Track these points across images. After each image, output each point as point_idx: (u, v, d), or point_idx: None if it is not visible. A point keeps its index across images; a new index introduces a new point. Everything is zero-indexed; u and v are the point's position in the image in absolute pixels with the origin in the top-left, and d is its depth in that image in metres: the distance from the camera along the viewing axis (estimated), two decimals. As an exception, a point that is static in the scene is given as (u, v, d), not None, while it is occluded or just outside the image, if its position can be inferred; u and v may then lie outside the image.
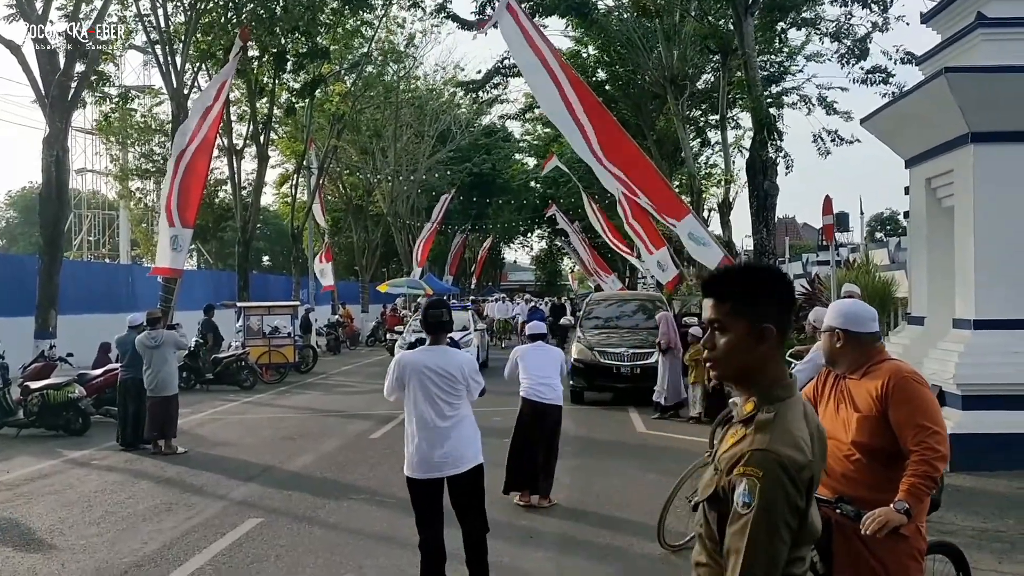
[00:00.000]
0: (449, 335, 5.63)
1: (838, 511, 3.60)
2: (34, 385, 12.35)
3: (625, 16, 24.51)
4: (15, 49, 15.29)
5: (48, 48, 15.45)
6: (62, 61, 15.65)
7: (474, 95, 35.21)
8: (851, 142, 25.20)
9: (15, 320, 16.64)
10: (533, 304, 35.44)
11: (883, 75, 21.07)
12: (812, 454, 2.02)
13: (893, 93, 20.40)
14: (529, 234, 65.08)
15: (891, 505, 3.41)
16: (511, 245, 69.17)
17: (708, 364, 2.24)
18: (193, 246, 31.28)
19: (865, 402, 3.65)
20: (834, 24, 21.38)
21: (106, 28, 18.58)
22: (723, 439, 2.20)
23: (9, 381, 12.55)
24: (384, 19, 30.12)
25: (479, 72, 31.07)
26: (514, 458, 7.94)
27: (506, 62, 24.73)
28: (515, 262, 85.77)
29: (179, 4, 21.58)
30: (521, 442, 7.97)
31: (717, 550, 2.09)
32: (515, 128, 50.25)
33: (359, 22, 27.77)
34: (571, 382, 15.76)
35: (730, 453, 2.09)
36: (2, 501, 8.43)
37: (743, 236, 43.70)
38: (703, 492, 2.16)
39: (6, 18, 17.90)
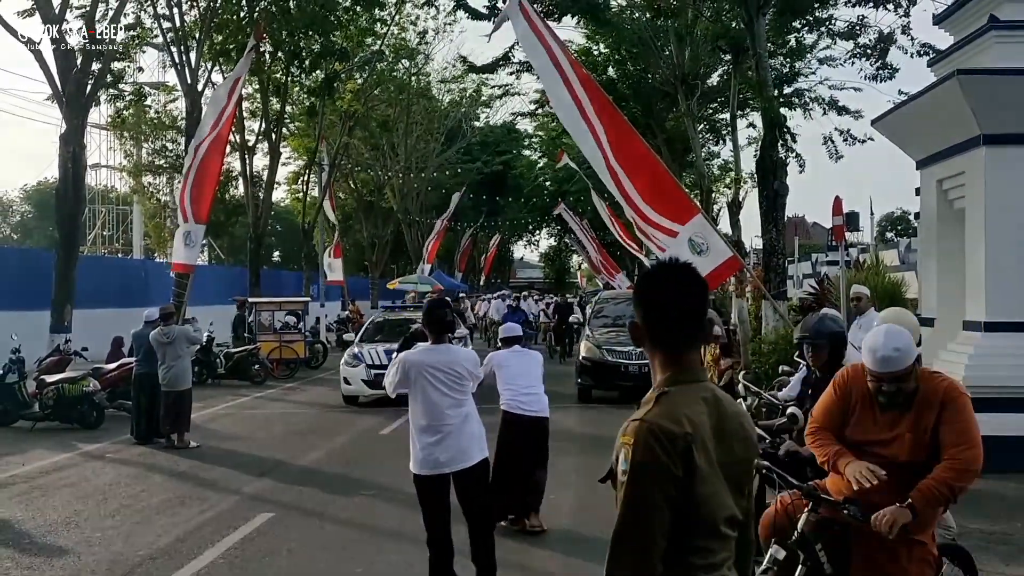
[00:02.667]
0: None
1: (845, 512, 3.63)
2: (49, 379, 12.48)
3: (637, 15, 24.50)
4: (33, 47, 15.42)
5: (65, 47, 15.57)
6: (79, 59, 15.77)
7: (483, 80, 35.24)
8: (863, 141, 25.11)
9: (31, 314, 16.77)
10: (510, 303, 27.92)
11: (891, 72, 21.01)
12: (693, 429, 2.08)
13: (905, 93, 20.38)
14: (537, 231, 65.14)
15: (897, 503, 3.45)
16: (520, 242, 69.27)
17: None
18: (205, 241, 31.41)
19: (914, 419, 3.65)
20: (847, 25, 21.30)
21: (122, 27, 18.72)
22: None
23: (25, 375, 12.70)
24: (397, 17, 30.17)
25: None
26: (499, 481, 6.71)
27: (516, 52, 24.70)
28: (522, 259, 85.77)
29: (194, 3, 21.68)
30: (507, 462, 6.99)
31: None
32: (525, 124, 50.18)
33: (372, 20, 27.81)
34: (578, 380, 15.83)
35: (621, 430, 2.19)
36: (19, 493, 8.55)
37: (752, 236, 43.59)
38: (604, 472, 2.26)
39: (20, 14, 18.08)
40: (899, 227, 68.87)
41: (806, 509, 3.87)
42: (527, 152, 55.58)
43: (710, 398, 2.19)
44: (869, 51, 20.90)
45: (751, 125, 29.89)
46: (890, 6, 18.67)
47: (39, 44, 15.66)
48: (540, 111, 37.61)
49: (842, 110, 25.34)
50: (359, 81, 31.11)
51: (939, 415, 3.59)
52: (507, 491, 6.93)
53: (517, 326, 8.22)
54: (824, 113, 25.93)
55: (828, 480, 3.97)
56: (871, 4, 19.38)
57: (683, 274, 2.25)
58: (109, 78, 18.65)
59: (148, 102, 28.43)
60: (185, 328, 11.73)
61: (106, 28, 16.82)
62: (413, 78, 37.40)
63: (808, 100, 26.37)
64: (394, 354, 5.79)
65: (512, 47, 24.27)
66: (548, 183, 51.80)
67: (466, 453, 5.33)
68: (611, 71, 29.63)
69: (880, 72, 20.96)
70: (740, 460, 2.20)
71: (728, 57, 22.96)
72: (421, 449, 5.30)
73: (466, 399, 5.44)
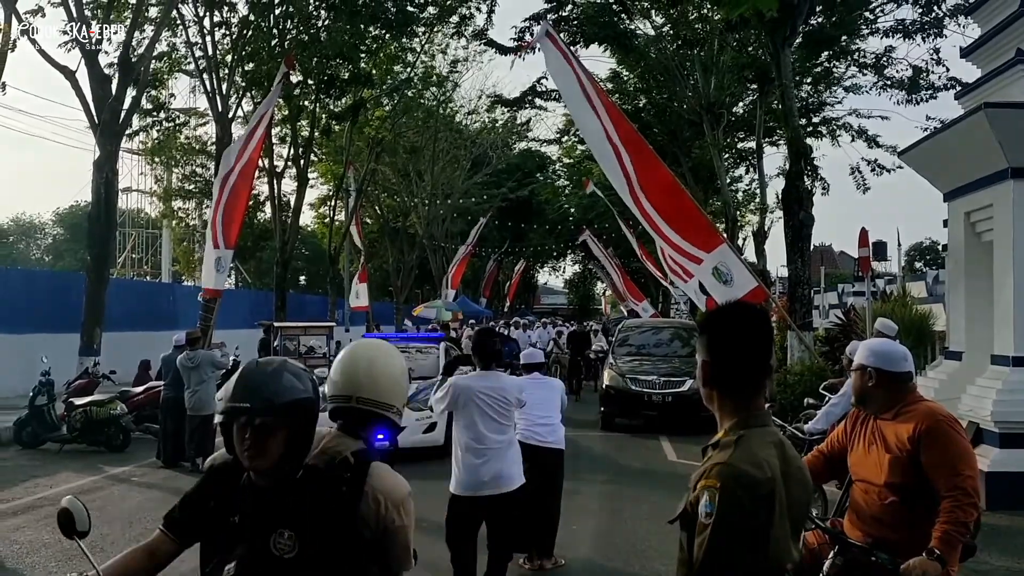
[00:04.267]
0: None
1: (873, 559, 3.61)
2: (78, 401, 12.64)
3: (663, 45, 24.65)
4: (69, 75, 15.74)
5: (101, 75, 15.89)
6: (114, 87, 16.09)
7: (510, 112, 35.49)
8: (891, 171, 25.00)
9: (61, 336, 16.99)
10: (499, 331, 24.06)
11: (926, 95, 20.93)
12: (772, 473, 2.09)
13: (933, 119, 20.33)
14: (562, 258, 65.20)
15: (924, 554, 3.42)
16: (544, 268, 69.35)
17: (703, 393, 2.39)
18: (233, 265, 31.76)
19: (897, 444, 3.65)
20: (874, 56, 21.31)
21: (156, 55, 19.06)
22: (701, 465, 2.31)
23: (54, 397, 12.86)
24: (426, 45, 30.50)
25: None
26: None
27: (543, 82, 24.91)
28: (545, 284, 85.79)
29: (226, 32, 22.08)
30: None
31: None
32: (551, 150, 50.44)
33: (401, 48, 28.14)
34: (601, 408, 15.79)
35: (698, 472, 2.21)
36: (46, 516, 8.63)
37: (778, 265, 43.38)
38: (677, 512, 2.25)
39: (61, 45, 18.49)
40: (928, 257, 68.24)
41: (832, 552, 3.84)
42: (552, 178, 55.79)
43: (777, 442, 2.21)
44: (899, 85, 20.86)
45: (775, 148, 29.94)
46: (917, 38, 18.69)
47: (76, 72, 15.98)
48: (565, 139, 37.84)
49: (872, 141, 25.28)
50: (387, 108, 31.44)
51: (918, 442, 3.58)
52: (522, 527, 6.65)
53: (539, 352, 8.04)
54: (852, 140, 25.91)
55: (846, 519, 3.95)
56: (899, 35, 19.43)
57: (756, 317, 2.29)
58: (144, 106, 18.98)
59: (179, 127, 28.90)
60: (210, 353, 11.83)
61: (141, 57, 17.14)
62: (441, 106, 37.73)
63: (835, 127, 26.37)
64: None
65: (540, 79, 24.55)
66: (573, 210, 51.94)
67: (508, 478, 5.49)
68: (635, 97, 29.80)
69: (912, 98, 20.90)
70: (801, 505, 2.22)
71: (754, 86, 23.03)
72: (464, 470, 5.45)
73: (509, 425, 5.65)
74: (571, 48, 14.90)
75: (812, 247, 17.85)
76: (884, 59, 21.08)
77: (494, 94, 32.58)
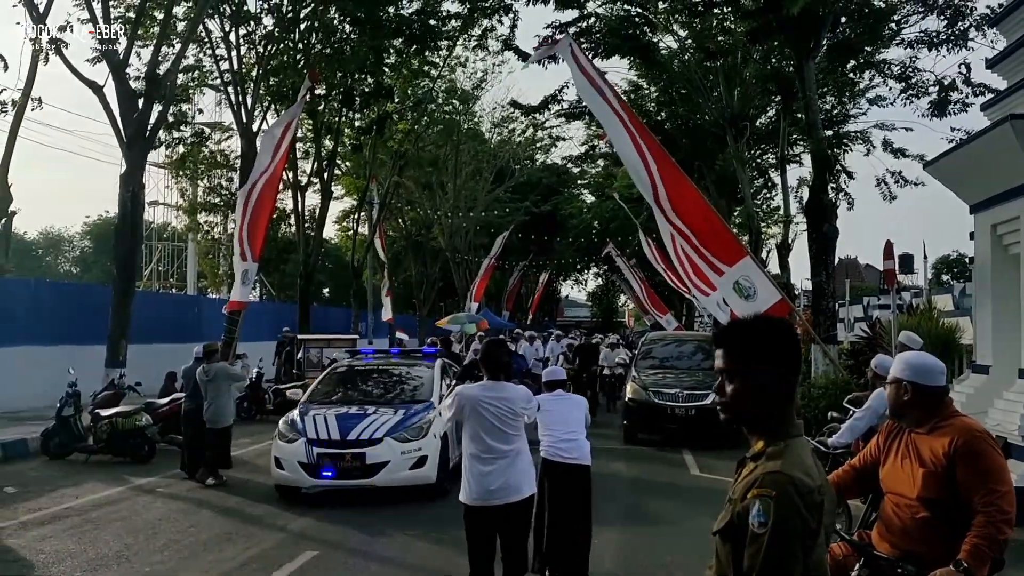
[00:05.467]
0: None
1: (900, 571, 3.58)
2: (104, 413, 12.75)
3: (687, 57, 24.65)
4: (97, 90, 15.96)
5: (128, 89, 16.10)
6: (140, 102, 16.29)
7: (533, 121, 35.50)
8: (916, 184, 24.80)
9: (88, 348, 17.18)
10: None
11: (954, 108, 20.73)
12: (821, 481, 2.13)
13: (958, 130, 20.17)
14: (585, 271, 65.13)
15: (951, 566, 3.39)
16: (566, 281, 69.27)
17: (719, 408, 2.38)
18: (257, 278, 32.00)
19: (932, 458, 3.62)
20: (900, 67, 21.17)
21: (182, 69, 19.30)
22: (737, 478, 2.30)
23: (81, 408, 12.99)
24: (448, 59, 30.66)
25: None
26: (539, 532, 6.57)
27: (565, 93, 24.92)
28: (567, 297, 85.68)
29: (251, 47, 22.33)
30: (547, 513, 6.65)
31: None
32: (574, 164, 50.49)
33: (423, 63, 28.33)
34: (624, 422, 15.73)
35: (744, 482, 2.20)
36: (72, 526, 8.72)
37: (802, 278, 43.08)
38: (718, 523, 2.25)
39: (90, 60, 18.80)
40: (955, 269, 67.53)
41: (858, 565, 3.82)
42: (576, 191, 55.81)
43: (813, 451, 2.26)
44: (923, 93, 20.70)
45: (798, 162, 29.76)
46: (942, 49, 18.56)
47: (104, 87, 16.21)
48: (591, 151, 37.81)
49: (898, 152, 25.10)
50: (409, 120, 31.63)
51: (953, 456, 3.55)
52: (550, 542, 6.65)
53: (561, 370, 7.92)
54: (868, 152, 25.75)
55: (874, 531, 3.92)
56: (924, 45, 19.30)
57: (782, 327, 2.33)
58: (170, 120, 19.20)
59: (204, 141, 29.23)
60: (224, 365, 11.64)
61: (167, 72, 17.36)
62: (462, 118, 37.89)
63: (859, 139, 26.23)
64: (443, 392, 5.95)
65: (561, 89, 24.52)
66: (596, 222, 51.94)
67: (516, 488, 5.47)
68: (661, 114, 29.77)
69: (937, 114, 20.72)
70: (830, 514, 2.23)
71: (778, 98, 22.95)
72: (473, 480, 5.46)
73: (517, 435, 5.60)
74: (592, 60, 14.94)
75: (837, 260, 17.73)
76: (909, 70, 20.92)
77: (513, 101, 32.50)
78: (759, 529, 2.05)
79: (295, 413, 10.45)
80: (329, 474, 9.64)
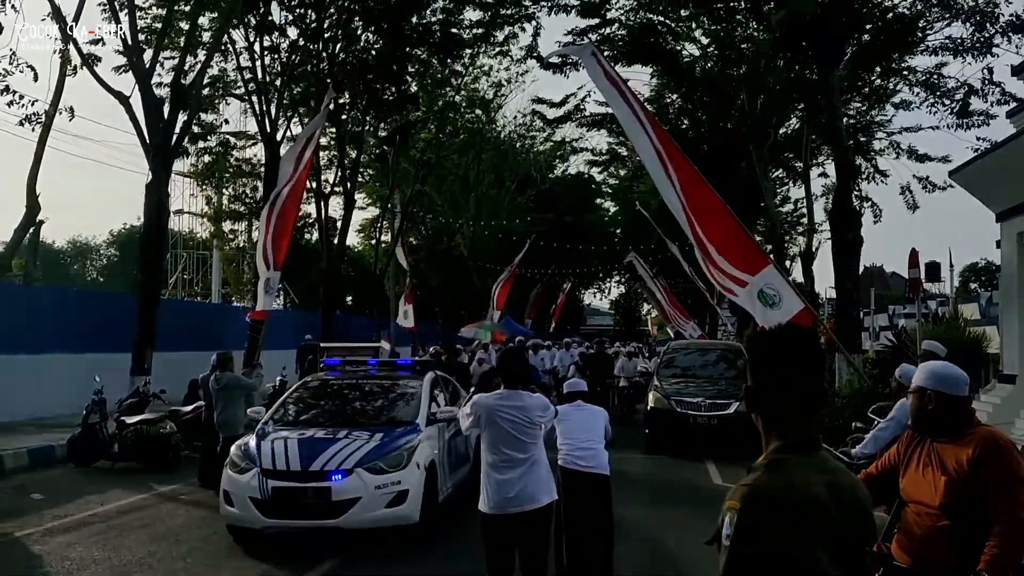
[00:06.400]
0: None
1: None
2: (129, 420, 12.86)
3: (710, 65, 24.60)
4: (124, 100, 16.15)
5: (153, 100, 16.27)
6: (166, 112, 16.47)
7: (553, 130, 35.62)
8: (943, 188, 24.60)
9: (113, 356, 17.34)
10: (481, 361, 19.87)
11: (979, 120, 20.57)
12: (805, 497, 2.03)
13: (983, 139, 19.97)
14: (608, 279, 65.01)
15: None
16: (590, 290, 69.17)
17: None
18: (280, 286, 32.21)
19: (955, 466, 3.59)
20: (925, 74, 21.01)
21: (208, 81, 19.49)
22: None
23: (106, 415, 13.11)
24: (471, 68, 30.78)
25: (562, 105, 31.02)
26: (559, 543, 6.60)
27: (587, 99, 24.93)
28: (589, 305, 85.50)
29: (275, 57, 22.52)
30: (569, 523, 6.63)
31: None
32: (596, 171, 50.52)
33: (447, 71, 28.45)
34: (646, 430, 15.65)
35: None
36: (97, 533, 8.81)
37: (826, 287, 42.81)
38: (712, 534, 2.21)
39: (116, 69, 19.01)
40: (983, 278, 66.77)
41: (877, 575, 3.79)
42: (599, 200, 55.80)
43: (826, 469, 2.15)
44: (949, 103, 20.54)
45: (823, 175, 29.56)
46: (968, 56, 18.40)
47: (130, 96, 16.40)
48: (613, 163, 37.81)
49: (923, 158, 24.90)
50: (432, 131, 31.76)
51: (975, 465, 3.51)
52: (572, 553, 6.62)
53: (583, 382, 7.80)
54: (897, 157, 25.58)
55: (894, 542, 3.89)
56: (949, 52, 19.15)
57: (801, 339, 2.24)
58: (195, 130, 19.37)
59: (229, 149, 29.52)
60: (236, 375, 11.62)
61: (192, 82, 17.54)
62: (485, 127, 38.00)
63: (885, 151, 26.05)
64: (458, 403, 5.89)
65: (583, 100, 24.59)
66: (618, 230, 51.88)
67: (533, 496, 5.45)
68: (683, 121, 29.72)
69: (963, 123, 20.56)
70: (855, 533, 2.13)
71: (801, 106, 22.84)
72: (490, 488, 5.46)
73: (535, 444, 5.58)
74: (614, 67, 14.94)
75: (861, 268, 17.60)
76: (935, 77, 20.77)
77: (537, 99, 32.52)
78: (725, 541, 2.03)
79: (251, 437, 8.85)
80: (285, 513, 7.95)
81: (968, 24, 18.23)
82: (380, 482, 7.92)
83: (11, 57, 15.23)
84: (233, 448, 8.73)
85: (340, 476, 7.84)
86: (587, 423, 6.94)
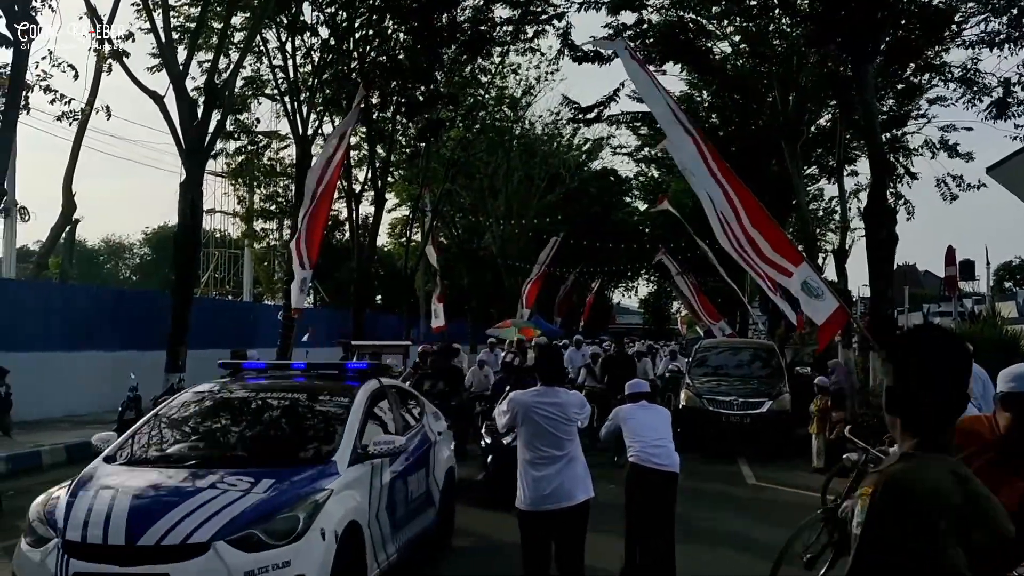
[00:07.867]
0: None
1: None
2: (163, 416, 12.96)
3: (741, 62, 24.40)
4: (158, 100, 16.31)
5: (187, 99, 16.43)
6: (199, 111, 16.63)
7: (582, 124, 35.43)
8: (977, 187, 24.20)
9: (147, 354, 17.53)
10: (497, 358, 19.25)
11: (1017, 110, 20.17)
12: (935, 495, 1.98)
13: (1021, 127, 19.62)
14: (637, 278, 64.76)
15: None
16: (617, 288, 68.99)
17: None
18: (312, 284, 32.44)
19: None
20: (961, 70, 20.70)
21: (241, 79, 19.66)
22: None
23: (141, 412, 13.24)
24: (501, 66, 30.77)
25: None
26: (630, 540, 6.76)
27: (620, 94, 24.75)
28: (619, 304, 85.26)
29: (307, 56, 22.68)
30: (639, 521, 6.70)
31: None
32: (624, 167, 50.40)
33: (476, 69, 28.47)
34: (677, 429, 15.48)
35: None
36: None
37: (860, 285, 42.33)
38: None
39: (150, 69, 19.24)
40: (1018, 276, 65.79)
41: None
42: (628, 199, 55.63)
43: (958, 473, 2.07)
44: (987, 99, 20.21)
45: (853, 172, 29.18)
46: (1005, 49, 18.10)
47: (164, 96, 16.58)
48: (641, 154, 37.65)
49: (954, 151, 24.54)
50: (460, 128, 31.82)
51: None
52: (644, 551, 6.66)
53: (645, 383, 7.90)
54: (933, 156, 25.21)
55: None
56: (984, 46, 18.84)
57: (949, 341, 2.20)
58: (229, 129, 19.54)
59: (261, 149, 29.79)
60: None
61: (225, 82, 17.70)
62: (514, 125, 38.00)
63: (921, 141, 25.69)
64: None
65: (613, 95, 24.44)
66: (647, 229, 51.66)
67: (569, 493, 5.46)
68: (714, 118, 29.52)
69: (997, 115, 20.20)
70: (986, 544, 2.03)
71: (834, 102, 22.58)
72: (527, 485, 5.48)
73: (571, 441, 5.61)
74: (648, 67, 14.88)
75: (895, 266, 17.36)
76: (971, 72, 20.45)
77: (566, 98, 32.26)
78: (856, 530, 1.99)
79: (64, 486, 5.75)
80: None
81: (1006, 17, 17.95)
82: (257, 564, 4.94)
83: (50, 56, 15.49)
84: (33, 506, 5.58)
85: (188, 555, 4.89)
86: (655, 421, 7.01)
